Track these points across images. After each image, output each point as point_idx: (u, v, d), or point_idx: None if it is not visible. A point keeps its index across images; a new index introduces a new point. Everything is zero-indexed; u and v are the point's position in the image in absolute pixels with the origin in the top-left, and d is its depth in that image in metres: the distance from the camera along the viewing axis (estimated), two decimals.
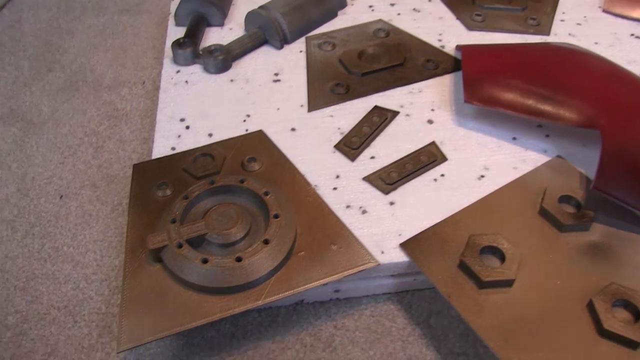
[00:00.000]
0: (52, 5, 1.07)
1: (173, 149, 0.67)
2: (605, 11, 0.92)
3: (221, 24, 0.87)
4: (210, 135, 0.69)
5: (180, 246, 0.53)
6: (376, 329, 0.57)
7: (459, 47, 0.79)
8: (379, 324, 0.57)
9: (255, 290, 0.52)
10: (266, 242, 0.53)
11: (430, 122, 0.70)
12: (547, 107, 0.65)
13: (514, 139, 0.68)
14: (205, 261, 0.52)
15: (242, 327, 0.57)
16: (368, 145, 0.67)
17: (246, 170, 0.64)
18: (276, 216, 0.55)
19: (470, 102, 0.67)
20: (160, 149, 0.67)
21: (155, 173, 0.64)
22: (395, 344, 0.56)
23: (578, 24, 0.89)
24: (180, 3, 0.86)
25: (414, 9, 0.91)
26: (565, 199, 0.60)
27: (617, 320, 0.50)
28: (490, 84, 0.68)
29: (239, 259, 0.52)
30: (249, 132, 0.69)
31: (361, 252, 0.55)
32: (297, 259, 0.55)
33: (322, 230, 0.57)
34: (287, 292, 0.52)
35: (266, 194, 0.58)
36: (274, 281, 0.53)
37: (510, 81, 0.69)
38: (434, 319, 0.58)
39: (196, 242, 0.54)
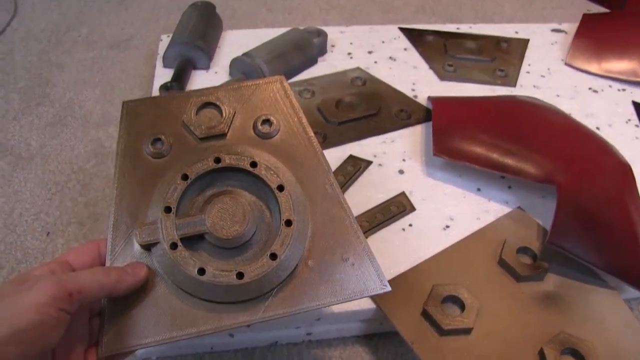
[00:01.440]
0: (43, 38, 1.11)
1: None
2: (567, 64, 0.98)
3: (207, 68, 0.92)
4: None
5: (174, 247, 0.46)
6: None
7: (430, 99, 0.84)
8: None
9: (254, 303, 0.46)
10: (273, 257, 0.46)
11: (401, 172, 0.75)
12: (509, 162, 0.70)
13: (479, 189, 0.73)
14: (202, 272, 0.45)
15: None
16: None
17: (258, 135, 0.53)
18: (288, 223, 0.48)
19: (438, 155, 0.72)
20: None
21: (149, 119, 0.53)
22: None
23: (542, 76, 0.95)
24: (168, 46, 0.91)
25: (390, 57, 0.96)
26: (523, 250, 0.65)
27: None
28: (457, 138, 0.73)
29: (240, 276, 0.45)
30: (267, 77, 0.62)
31: (373, 274, 0.49)
32: (305, 269, 0.48)
33: (336, 236, 0.50)
34: (288, 309, 0.46)
35: (280, 188, 0.49)
36: (275, 295, 0.47)
37: (476, 135, 0.74)
38: None
39: (193, 238, 0.48)
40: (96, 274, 0.42)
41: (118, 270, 0.44)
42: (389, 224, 0.68)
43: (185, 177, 0.49)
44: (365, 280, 0.48)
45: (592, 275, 0.64)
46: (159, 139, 0.52)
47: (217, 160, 0.50)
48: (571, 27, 1.07)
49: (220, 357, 0.61)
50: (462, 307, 0.59)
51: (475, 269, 0.64)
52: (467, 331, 0.57)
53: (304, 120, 0.55)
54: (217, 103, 0.54)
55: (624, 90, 0.94)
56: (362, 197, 0.71)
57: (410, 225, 0.68)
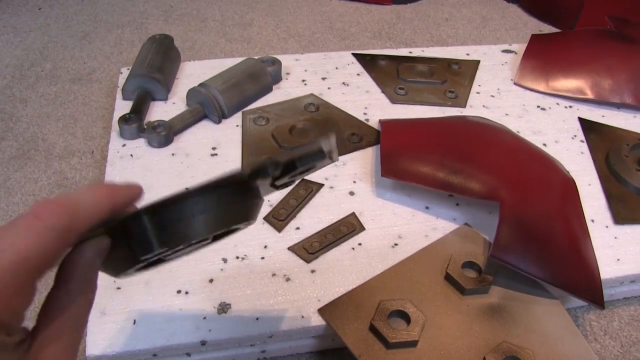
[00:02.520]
0: (7, 74, 1.12)
1: None
2: (516, 84, 1.02)
3: (165, 99, 0.94)
4: None
5: None
6: None
7: (380, 122, 0.87)
8: None
9: None
10: None
11: (351, 193, 0.77)
12: (454, 181, 0.73)
13: (427, 208, 0.76)
14: None
15: None
16: (294, 216, 0.73)
17: None
18: None
19: (386, 176, 0.75)
20: None
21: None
22: None
23: (492, 95, 0.99)
24: (127, 79, 0.93)
25: (343, 83, 0.99)
26: (468, 264, 0.68)
27: None
28: (405, 159, 0.76)
29: None
30: None
31: None
32: None
33: None
34: None
35: None
36: None
37: (423, 156, 0.77)
38: None
39: None
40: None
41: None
42: (339, 244, 0.70)
43: None
44: None
45: (535, 287, 0.67)
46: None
47: None
48: (521, 47, 1.11)
49: None
50: (408, 321, 0.61)
51: (422, 284, 0.66)
52: (412, 344, 0.60)
53: None
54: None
55: (570, 107, 0.98)
56: (314, 218, 0.73)
57: (360, 244, 0.70)
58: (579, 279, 0.66)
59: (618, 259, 0.72)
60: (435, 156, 0.76)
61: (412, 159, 0.76)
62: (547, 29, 1.34)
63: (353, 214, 0.74)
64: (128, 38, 1.26)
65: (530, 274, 0.65)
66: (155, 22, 1.30)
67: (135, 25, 1.29)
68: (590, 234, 0.72)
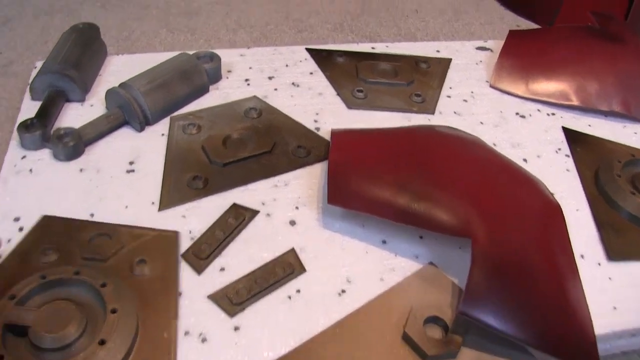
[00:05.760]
0: None
1: None
2: (492, 87, 0.89)
3: (82, 100, 0.79)
4: None
5: None
6: None
7: (332, 133, 0.73)
8: None
9: None
10: (102, 342, 0.48)
11: (292, 223, 0.63)
12: (417, 211, 0.60)
13: (384, 242, 0.63)
14: None
15: None
16: (219, 254, 0.59)
17: (133, 272, 0.57)
18: (113, 311, 0.50)
19: (333, 204, 0.61)
20: None
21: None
22: None
23: (464, 100, 0.85)
24: (36, 76, 0.78)
25: (293, 83, 0.85)
26: (432, 319, 0.55)
27: None
28: (357, 182, 0.63)
29: None
30: (165, 229, 0.62)
31: None
32: None
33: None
34: None
35: (103, 285, 0.52)
36: None
37: (381, 177, 0.63)
38: None
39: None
40: None
41: None
42: (272, 290, 0.56)
43: (12, 297, 0.50)
44: None
45: (515, 349, 0.53)
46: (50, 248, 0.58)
47: (43, 277, 0.53)
48: (497, 44, 0.98)
49: None
50: None
51: (374, 348, 0.53)
52: None
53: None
54: (111, 235, 0.60)
55: (553, 114, 0.85)
56: (243, 256, 0.59)
57: (299, 291, 0.57)
58: (567, 338, 0.54)
59: (614, 307, 0.59)
60: (395, 177, 0.63)
61: (366, 181, 0.63)
62: (525, 24, 1.22)
63: (292, 250, 0.60)
64: (57, 26, 1.10)
65: (510, 335, 0.52)
66: (90, 8, 1.15)
67: (68, 11, 1.13)
68: (580, 274, 0.59)
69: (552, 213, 0.65)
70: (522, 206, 0.65)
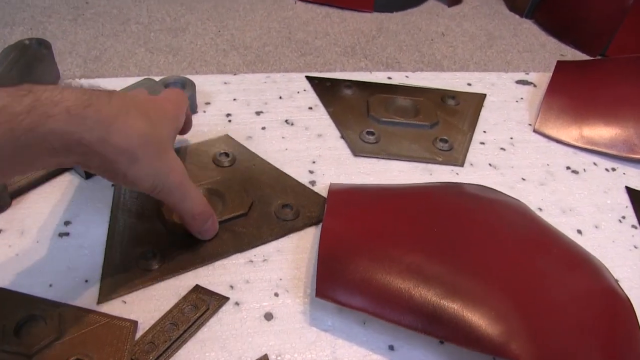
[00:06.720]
0: None
1: None
2: (536, 132, 0.71)
3: None
4: None
5: None
6: None
7: (330, 190, 0.55)
8: None
9: None
10: None
11: (268, 316, 0.46)
12: (442, 316, 0.42)
13: (391, 348, 0.45)
14: None
15: None
16: (169, 358, 0.42)
17: None
18: None
19: (323, 298, 0.43)
20: None
21: None
22: None
23: (502, 148, 0.68)
24: None
25: (285, 121, 0.68)
26: None
27: None
28: (358, 269, 0.45)
29: None
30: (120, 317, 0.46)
31: None
32: None
33: None
34: None
35: None
36: None
37: (393, 259, 0.45)
38: None
39: None
40: None
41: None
42: None
43: None
44: None
45: None
46: None
47: None
48: (541, 77, 0.81)
49: None
50: None
51: None
52: None
53: None
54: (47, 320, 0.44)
55: (614, 170, 0.68)
56: None
57: None
58: None
59: None
60: (411, 259, 0.45)
61: (370, 266, 0.45)
62: (571, 53, 1.04)
63: (265, 357, 0.42)
64: (17, 40, 0.94)
65: None
66: (59, 21, 0.99)
67: (32, 23, 0.97)
68: None
69: (620, 310, 0.48)
70: (580, 303, 0.47)
